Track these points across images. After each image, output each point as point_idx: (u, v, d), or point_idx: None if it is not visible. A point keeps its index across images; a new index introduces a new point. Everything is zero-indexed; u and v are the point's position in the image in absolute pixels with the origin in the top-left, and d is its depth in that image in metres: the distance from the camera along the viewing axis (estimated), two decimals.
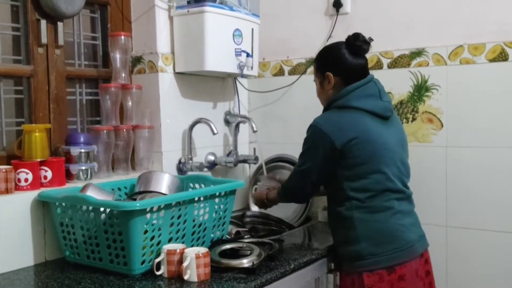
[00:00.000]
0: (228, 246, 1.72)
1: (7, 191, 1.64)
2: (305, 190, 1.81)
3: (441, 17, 2.11)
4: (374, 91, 1.76)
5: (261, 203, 2.09)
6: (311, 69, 1.89)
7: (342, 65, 1.78)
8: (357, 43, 1.76)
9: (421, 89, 2.16)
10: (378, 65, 2.25)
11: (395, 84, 2.20)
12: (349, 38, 1.80)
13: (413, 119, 2.18)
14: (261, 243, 1.75)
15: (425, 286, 1.74)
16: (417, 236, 1.74)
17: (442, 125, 2.13)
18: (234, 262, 1.59)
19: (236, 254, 1.68)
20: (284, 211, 2.29)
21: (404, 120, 2.19)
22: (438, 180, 2.12)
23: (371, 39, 1.79)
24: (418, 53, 2.16)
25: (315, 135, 1.72)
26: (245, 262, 1.58)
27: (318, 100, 1.90)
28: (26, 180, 1.70)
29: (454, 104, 2.09)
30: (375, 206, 1.69)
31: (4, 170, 1.63)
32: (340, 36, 2.32)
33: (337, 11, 2.34)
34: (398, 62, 2.21)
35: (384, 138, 1.72)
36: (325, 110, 1.83)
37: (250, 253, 1.64)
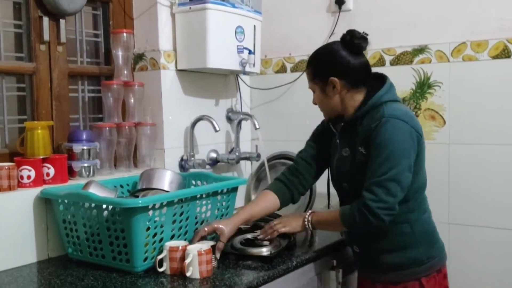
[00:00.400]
0: (249, 236, 1.80)
1: (10, 188, 1.64)
2: (396, 204, 1.51)
3: (444, 14, 2.11)
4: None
5: (297, 224, 1.73)
6: (306, 70, 1.82)
7: (346, 67, 1.63)
8: (356, 41, 1.62)
9: (423, 86, 2.16)
10: (381, 62, 2.25)
11: (397, 81, 2.17)
12: (344, 36, 1.64)
13: (416, 116, 2.18)
14: (282, 235, 1.77)
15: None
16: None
17: (444, 122, 2.12)
18: (254, 251, 1.67)
19: (257, 243, 1.74)
20: (286, 209, 2.29)
21: None
22: (440, 177, 2.12)
23: (366, 34, 1.66)
24: (420, 50, 2.16)
25: (398, 128, 1.52)
26: (264, 251, 1.67)
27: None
28: (28, 177, 1.70)
29: (457, 101, 2.09)
30: (423, 207, 1.65)
31: (7, 167, 1.63)
32: (343, 33, 2.32)
33: (340, 8, 2.33)
34: (401, 59, 2.21)
35: None
36: (367, 110, 1.61)
37: (270, 243, 1.72)
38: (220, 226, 1.63)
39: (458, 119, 2.09)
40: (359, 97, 1.65)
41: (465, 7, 2.06)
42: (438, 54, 2.12)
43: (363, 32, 1.67)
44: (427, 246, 1.63)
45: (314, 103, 1.74)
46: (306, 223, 1.70)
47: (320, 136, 1.83)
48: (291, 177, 1.81)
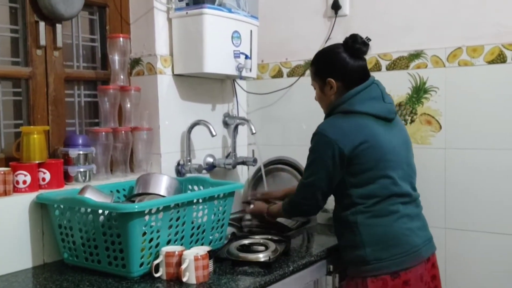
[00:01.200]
0: (245, 242, 1.81)
1: (5, 193, 1.63)
2: (317, 203, 1.76)
3: (440, 19, 2.12)
4: (377, 94, 1.74)
5: (260, 218, 2.07)
6: (309, 68, 1.87)
7: (343, 69, 1.74)
8: (356, 46, 1.73)
9: (419, 91, 2.17)
10: (377, 67, 2.25)
11: (393, 86, 2.20)
12: (347, 40, 1.76)
13: (412, 121, 2.18)
14: (277, 240, 1.83)
15: None
16: (423, 240, 1.71)
17: (440, 127, 2.13)
18: (251, 256, 1.68)
19: (253, 249, 1.77)
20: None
21: (403, 122, 2.19)
22: (437, 182, 2.12)
23: (369, 39, 1.75)
24: (416, 55, 2.17)
25: (322, 143, 1.68)
26: (262, 257, 1.67)
27: (316, 102, 1.88)
28: (24, 182, 1.70)
29: (453, 106, 2.10)
30: (380, 211, 1.67)
31: (2, 172, 1.63)
32: (339, 38, 2.32)
33: (336, 13, 2.34)
34: (397, 64, 2.21)
35: (389, 141, 1.70)
36: (327, 115, 1.80)
37: (266, 249, 1.74)
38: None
39: (454, 123, 2.10)
40: None
41: (461, 12, 2.07)
42: (434, 59, 2.13)
43: (366, 37, 1.75)
44: (376, 248, 1.66)
45: (316, 100, 1.87)
46: (266, 210, 2.01)
47: None
48: None
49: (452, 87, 2.10)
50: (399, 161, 1.72)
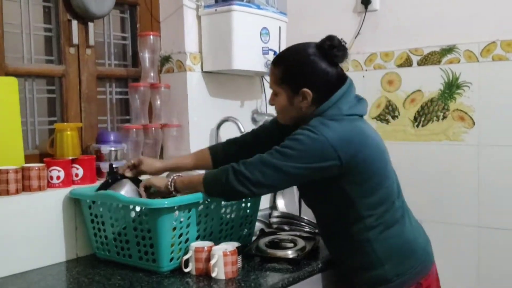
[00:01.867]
0: (274, 238, 1.78)
1: (40, 188, 1.67)
2: (260, 187, 1.45)
3: (473, 13, 2.07)
4: (354, 92, 1.56)
5: (164, 192, 1.64)
6: (270, 67, 1.63)
7: (323, 80, 1.50)
8: (336, 53, 1.51)
9: (452, 87, 2.12)
10: (408, 63, 2.22)
11: (425, 81, 2.17)
12: (323, 45, 1.52)
13: (444, 117, 2.14)
14: (306, 237, 1.80)
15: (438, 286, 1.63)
16: (423, 236, 1.60)
17: (473, 123, 2.08)
18: (280, 253, 1.66)
19: (281, 245, 1.74)
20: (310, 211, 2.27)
21: (435, 118, 2.15)
22: (469, 179, 2.08)
23: (345, 42, 1.56)
24: (449, 50, 2.12)
25: (322, 146, 1.42)
26: (290, 254, 1.65)
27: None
28: (58, 177, 1.74)
29: (486, 102, 2.05)
30: (389, 220, 1.51)
31: (37, 168, 1.67)
32: (369, 33, 2.30)
33: (366, 8, 2.31)
34: (428, 59, 2.17)
35: (374, 138, 1.53)
36: (299, 122, 1.52)
37: (295, 246, 1.71)
38: (145, 160, 1.74)
39: (487, 120, 2.05)
40: (313, 109, 1.52)
41: (495, 5, 2.02)
42: (467, 54, 2.08)
43: (341, 39, 1.56)
44: (394, 263, 1.50)
45: (271, 104, 1.61)
46: (169, 182, 1.60)
47: (280, 130, 1.68)
48: (234, 146, 1.78)
49: (485, 82, 2.05)
50: (388, 159, 1.56)
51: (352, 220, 1.51)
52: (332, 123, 1.46)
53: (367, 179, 1.48)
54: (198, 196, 1.61)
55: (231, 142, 1.83)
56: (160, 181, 1.64)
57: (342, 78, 1.55)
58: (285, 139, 1.47)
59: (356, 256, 1.54)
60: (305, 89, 1.50)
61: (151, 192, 1.66)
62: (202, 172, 1.73)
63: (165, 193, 1.62)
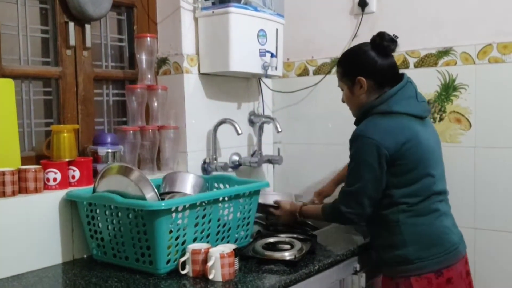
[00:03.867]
0: (271, 240, 1.80)
1: (36, 190, 1.67)
2: (363, 211, 1.68)
3: (469, 15, 2.08)
4: (412, 92, 1.73)
5: (290, 218, 1.99)
6: (335, 69, 1.86)
7: (373, 67, 1.71)
8: (384, 43, 1.71)
9: (448, 89, 2.13)
10: (405, 65, 2.22)
11: (422, 83, 2.15)
12: (374, 38, 1.74)
13: (441, 119, 2.15)
14: (303, 239, 1.82)
15: (466, 286, 1.72)
16: (458, 237, 1.73)
17: (470, 125, 2.09)
18: (277, 255, 1.68)
19: (278, 247, 1.76)
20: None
21: (432, 120, 2.16)
22: (466, 181, 2.08)
23: (396, 37, 1.74)
24: (445, 52, 2.13)
25: (365, 145, 1.63)
26: (287, 255, 1.67)
27: (342, 100, 1.86)
28: (54, 179, 1.73)
29: (483, 104, 2.05)
30: (422, 210, 1.66)
31: (33, 170, 1.66)
32: (366, 35, 2.30)
33: (363, 10, 2.32)
34: (425, 61, 2.18)
35: (427, 139, 1.69)
36: (361, 116, 1.75)
37: (292, 247, 1.73)
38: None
39: (484, 122, 2.05)
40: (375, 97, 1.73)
41: (491, 8, 2.03)
42: (463, 56, 2.09)
43: (393, 35, 1.74)
44: (418, 247, 1.64)
45: (343, 101, 1.83)
46: (297, 212, 1.95)
47: None
48: None
49: (482, 84, 2.06)
50: (436, 159, 1.72)
51: (386, 204, 1.68)
52: (378, 121, 1.67)
53: (405, 172, 1.64)
54: (194, 198, 1.61)
55: None
56: (289, 219, 2.00)
57: (396, 72, 1.75)
58: (349, 157, 1.70)
59: (386, 235, 1.70)
60: (360, 77, 1.72)
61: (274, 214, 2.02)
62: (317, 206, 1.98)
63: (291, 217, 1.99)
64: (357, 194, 1.67)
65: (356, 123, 1.79)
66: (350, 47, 1.85)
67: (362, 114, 1.75)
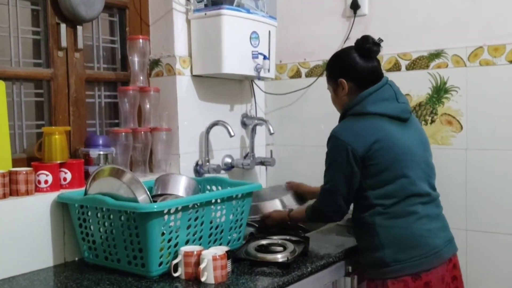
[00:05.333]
0: (263, 242, 1.80)
1: (27, 192, 1.66)
2: (339, 209, 1.74)
3: (460, 18, 2.09)
4: (390, 94, 1.73)
5: (281, 223, 2.04)
6: None
7: (354, 69, 1.75)
8: (367, 46, 1.73)
9: (440, 91, 2.14)
10: (396, 67, 2.23)
11: (413, 86, 2.18)
12: (358, 41, 1.77)
13: (432, 121, 2.16)
14: (296, 241, 1.82)
15: None
16: (444, 240, 1.70)
17: (461, 127, 2.10)
18: (270, 257, 1.68)
19: (271, 249, 1.76)
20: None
21: (423, 122, 2.17)
22: (457, 183, 2.10)
23: (381, 40, 1.76)
24: (437, 54, 2.14)
25: (336, 146, 1.69)
26: (280, 257, 1.67)
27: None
28: (46, 182, 1.72)
29: (474, 106, 2.07)
30: (398, 212, 1.66)
31: (24, 172, 1.65)
32: (358, 38, 2.31)
33: (355, 12, 2.33)
34: (417, 63, 2.19)
35: (404, 141, 1.69)
36: (341, 117, 1.80)
37: (284, 249, 1.73)
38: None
39: (475, 124, 2.07)
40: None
41: (482, 11, 2.04)
42: (454, 58, 2.10)
43: (379, 39, 1.76)
44: (395, 249, 1.65)
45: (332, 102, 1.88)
46: (288, 218, 2.00)
47: None
48: None
49: (473, 87, 2.07)
50: (416, 160, 1.70)
51: (364, 206, 1.70)
52: (351, 123, 1.72)
53: (378, 173, 1.66)
54: (187, 200, 1.60)
55: None
56: (278, 215, 2.05)
57: (377, 75, 1.76)
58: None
59: (364, 238, 1.74)
60: (341, 79, 1.76)
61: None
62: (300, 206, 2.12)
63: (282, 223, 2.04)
64: (331, 191, 1.73)
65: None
66: (337, 50, 1.88)
67: (342, 115, 1.80)
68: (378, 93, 1.72)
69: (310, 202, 1.99)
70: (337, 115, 1.85)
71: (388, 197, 1.66)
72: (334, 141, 1.70)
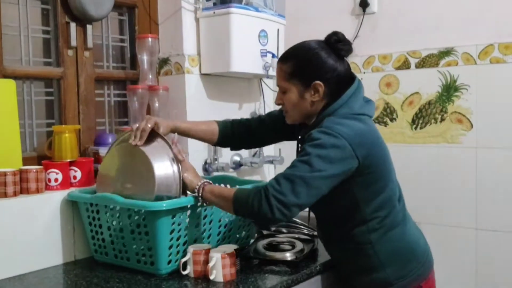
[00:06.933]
0: (272, 241, 1.79)
1: (37, 191, 1.67)
2: (300, 201, 1.38)
3: (471, 15, 2.07)
4: (363, 92, 1.55)
5: (190, 185, 1.59)
6: (277, 65, 1.62)
7: (332, 73, 1.49)
8: (342, 47, 1.50)
9: (450, 89, 2.13)
10: (406, 65, 2.22)
11: (423, 84, 2.17)
12: (330, 39, 1.52)
13: (442, 120, 2.15)
14: (304, 239, 1.80)
15: None
16: (423, 239, 1.61)
17: (471, 126, 2.09)
18: (278, 255, 1.66)
19: (279, 248, 1.74)
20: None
21: (433, 121, 2.16)
22: (467, 181, 2.08)
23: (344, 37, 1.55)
24: (446, 52, 2.13)
25: (337, 145, 1.39)
26: (288, 256, 1.65)
27: None
28: (56, 180, 1.73)
29: (484, 104, 2.05)
30: (392, 222, 1.51)
31: (35, 170, 1.66)
32: (367, 36, 2.30)
33: (364, 10, 2.31)
34: (426, 61, 2.18)
35: (383, 141, 1.53)
36: (310, 123, 1.54)
37: (293, 248, 1.72)
38: (159, 121, 1.62)
39: (485, 122, 2.05)
40: (322, 105, 1.52)
41: (492, 8, 2.02)
42: (464, 56, 2.09)
43: (341, 34, 1.55)
44: (396, 266, 1.50)
45: (279, 103, 1.58)
46: (198, 186, 1.55)
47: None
48: (242, 128, 1.77)
49: (483, 85, 2.05)
50: (391, 160, 1.56)
51: (356, 223, 1.50)
52: (346, 121, 1.44)
53: (374, 181, 1.47)
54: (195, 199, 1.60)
55: (239, 123, 1.79)
56: (191, 181, 1.57)
57: (350, 76, 1.55)
58: (304, 146, 1.42)
59: (357, 259, 1.53)
60: (317, 82, 1.48)
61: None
62: (231, 187, 1.59)
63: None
64: (300, 180, 1.36)
65: (301, 126, 1.59)
66: (299, 44, 1.59)
67: (308, 121, 1.55)
68: (358, 92, 1.52)
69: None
70: None
71: (383, 208, 1.49)
72: (337, 140, 1.40)
